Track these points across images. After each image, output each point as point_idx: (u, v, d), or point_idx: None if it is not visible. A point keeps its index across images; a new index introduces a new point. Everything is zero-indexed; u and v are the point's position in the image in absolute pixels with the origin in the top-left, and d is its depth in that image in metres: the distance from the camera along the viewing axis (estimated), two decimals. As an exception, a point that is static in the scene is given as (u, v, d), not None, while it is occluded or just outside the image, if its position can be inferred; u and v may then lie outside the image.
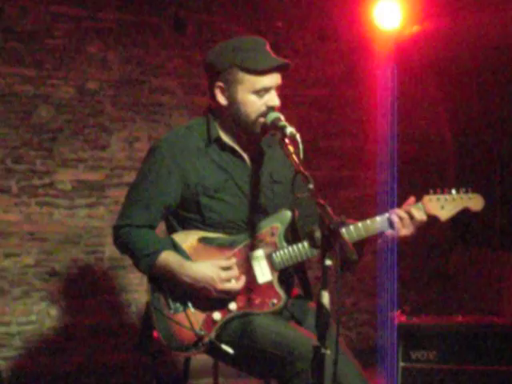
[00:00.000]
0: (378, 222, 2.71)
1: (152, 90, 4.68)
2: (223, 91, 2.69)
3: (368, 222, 2.70)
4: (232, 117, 2.71)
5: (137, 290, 4.59)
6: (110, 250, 4.54)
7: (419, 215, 2.70)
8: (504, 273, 4.93)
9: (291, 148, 2.46)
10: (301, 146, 2.47)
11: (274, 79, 2.67)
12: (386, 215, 2.71)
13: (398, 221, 2.69)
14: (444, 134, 5.52)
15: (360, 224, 2.70)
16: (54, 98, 4.44)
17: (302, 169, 2.33)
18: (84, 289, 4.52)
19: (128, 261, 4.43)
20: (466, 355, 3.87)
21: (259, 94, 2.65)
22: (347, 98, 5.22)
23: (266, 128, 2.67)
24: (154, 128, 4.68)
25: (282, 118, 2.62)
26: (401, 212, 2.70)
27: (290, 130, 2.53)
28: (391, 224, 2.70)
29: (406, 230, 2.70)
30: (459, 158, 5.46)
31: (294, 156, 2.42)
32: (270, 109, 2.66)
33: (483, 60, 4.94)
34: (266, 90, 2.66)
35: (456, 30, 4.74)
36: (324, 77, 5.17)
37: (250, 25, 4.89)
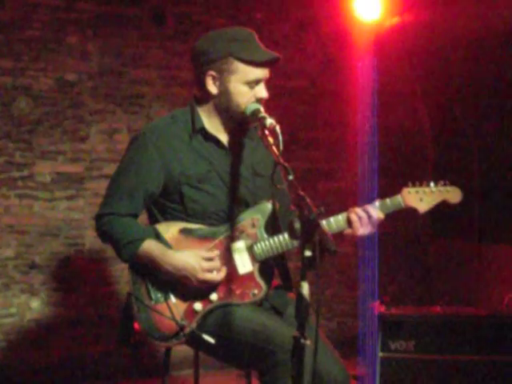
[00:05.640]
0: (340, 220, 2.71)
1: (131, 81, 4.67)
2: (215, 80, 2.70)
3: (331, 219, 2.71)
4: (220, 106, 2.73)
5: (117, 281, 4.59)
6: (90, 242, 4.53)
7: (376, 214, 2.70)
8: (482, 264, 4.97)
9: (271, 139, 2.48)
10: (280, 138, 2.48)
11: (265, 71, 2.71)
12: (345, 214, 2.72)
13: (357, 220, 2.69)
14: (423, 126, 5.55)
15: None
16: (33, 89, 4.41)
17: (281, 160, 2.35)
18: (64, 281, 4.51)
19: (108, 253, 4.46)
20: (444, 345, 3.90)
21: (250, 86, 2.68)
22: (327, 89, 5.23)
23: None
24: (134, 120, 4.67)
25: (262, 109, 2.65)
26: (359, 211, 2.70)
27: (269, 121, 2.55)
28: (349, 223, 2.70)
29: (363, 230, 2.70)
30: (438, 149, 5.49)
31: (274, 147, 2.43)
32: (259, 100, 2.69)
33: (462, 52, 4.96)
34: (258, 81, 2.70)
35: (436, 22, 4.76)
36: (304, 68, 5.17)
37: (230, 16, 4.89)
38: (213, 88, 2.71)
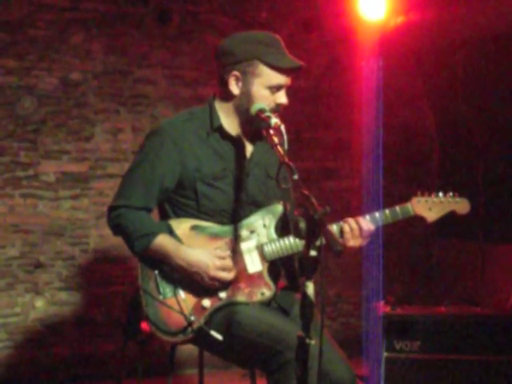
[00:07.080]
0: (335, 230, 2.74)
1: (136, 81, 4.67)
2: (238, 81, 2.71)
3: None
4: (240, 107, 2.74)
5: (122, 281, 4.57)
6: (94, 241, 4.53)
7: (367, 227, 2.74)
8: (487, 264, 4.97)
9: (276, 139, 2.49)
10: (285, 137, 2.50)
11: (288, 78, 2.75)
12: (340, 223, 2.75)
13: (349, 231, 2.73)
14: (428, 126, 5.54)
15: None
16: (38, 89, 4.42)
17: (286, 160, 2.35)
18: (68, 281, 4.51)
19: (113, 252, 4.46)
20: (449, 345, 3.90)
21: (272, 90, 2.71)
22: (332, 89, 5.22)
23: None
24: (138, 119, 4.67)
25: (267, 108, 2.66)
26: (352, 222, 2.74)
27: (274, 120, 2.57)
28: (341, 233, 2.74)
29: (354, 242, 2.75)
30: (443, 149, 5.48)
31: (279, 147, 2.44)
32: (279, 106, 2.73)
33: (468, 52, 4.96)
34: (279, 87, 2.73)
35: (441, 21, 4.75)
36: (308, 68, 5.14)
37: (235, 15, 4.88)
38: (235, 88, 2.72)
